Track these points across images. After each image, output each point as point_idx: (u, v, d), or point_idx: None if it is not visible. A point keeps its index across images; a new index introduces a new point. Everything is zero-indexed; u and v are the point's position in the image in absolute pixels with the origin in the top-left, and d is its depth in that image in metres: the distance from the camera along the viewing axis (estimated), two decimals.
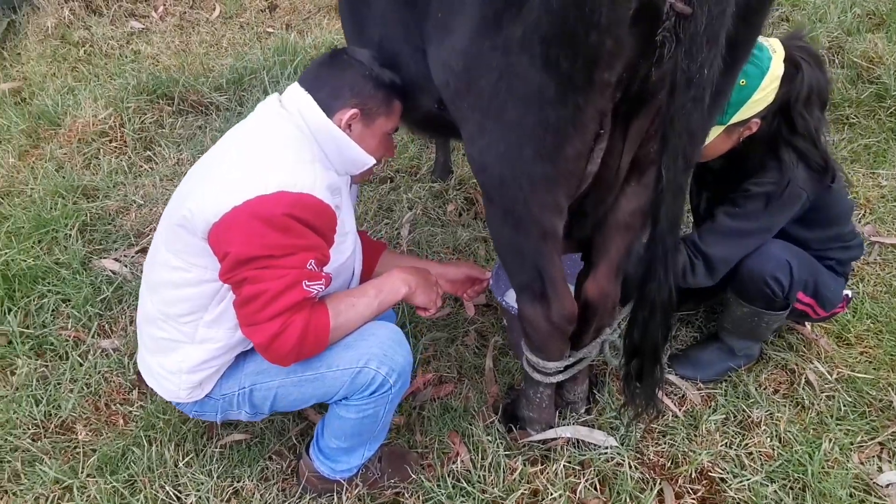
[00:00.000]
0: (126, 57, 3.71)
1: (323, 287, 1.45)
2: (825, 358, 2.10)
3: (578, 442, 1.86)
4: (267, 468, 1.84)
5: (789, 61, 1.58)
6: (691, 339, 2.22)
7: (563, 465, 1.77)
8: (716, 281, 1.79)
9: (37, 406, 1.99)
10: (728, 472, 1.79)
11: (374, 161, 1.55)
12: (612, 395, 2.00)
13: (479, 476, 1.76)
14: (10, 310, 2.26)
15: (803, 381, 2.03)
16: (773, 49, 1.56)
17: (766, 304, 1.85)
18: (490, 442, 1.84)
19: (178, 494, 1.75)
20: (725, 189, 1.78)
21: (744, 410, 1.95)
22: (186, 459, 1.83)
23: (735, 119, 1.59)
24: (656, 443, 1.88)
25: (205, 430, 1.93)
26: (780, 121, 1.65)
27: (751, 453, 1.85)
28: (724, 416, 1.94)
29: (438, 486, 1.75)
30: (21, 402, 1.99)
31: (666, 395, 2.01)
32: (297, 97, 1.48)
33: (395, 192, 2.82)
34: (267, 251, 1.34)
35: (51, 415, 1.98)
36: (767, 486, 1.76)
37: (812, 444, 1.85)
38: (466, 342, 2.24)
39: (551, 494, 1.71)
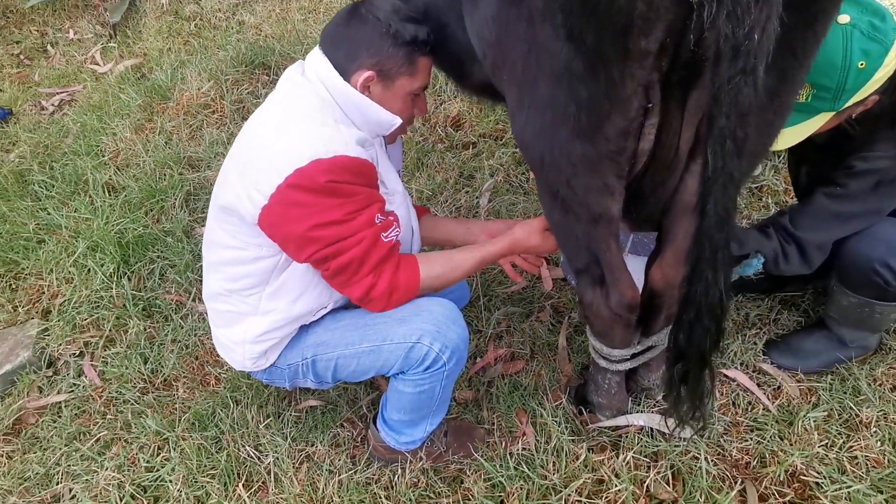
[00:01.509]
0: (232, 28, 3.88)
1: (399, 228, 1.50)
2: None
3: (652, 431, 1.75)
4: (338, 435, 1.91)
5: None
6: (794, 323, 1.99)
7: (632, 456, 1.67)
8: (813, 269, 1.57)
9: (145, 364, 2.19)
10: (825, 477, 1.61)
11: (400, 121, 1.49)
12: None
13: (541, 460, 1.71)
14: (124, 274, 2.50)
15: None
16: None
17: (877, 294, 1.60)
18: (556, 425, 1.78)
19: (258, 454, 1.87)
20: (828, 163, 1.54)
21: (851, 408, 1.73)
22: (266, 422, 1.95)
23: (850, 103, 1.35)
24: (742, 438, 1.72)
25: (285, 395, 2.04)
26: None
27: (855, 457, 1.64)
28: (825, 413, 1.74)
29: (500, 466, 1.72)
30: (131, 360, 2.20)
31: (758, 385, 1.83)
32: (316, 63, 1.44)
33: (478, 159, 2.75)
34: (330, 218, 1.36)
35: (156, 371, 2.18)
36: (872, 496, 1.56)
37: None
38: (541, 318, 2.16)
39: (616, 486, 1.62)
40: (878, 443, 1.65)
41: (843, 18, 1.27)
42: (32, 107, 3.97)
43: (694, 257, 1.10)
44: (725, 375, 1.86)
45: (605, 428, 1.78)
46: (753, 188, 2.43)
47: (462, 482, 1.74)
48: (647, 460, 1.68)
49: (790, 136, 1.42)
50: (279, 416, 1.97)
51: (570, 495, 1.63)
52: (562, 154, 1.16)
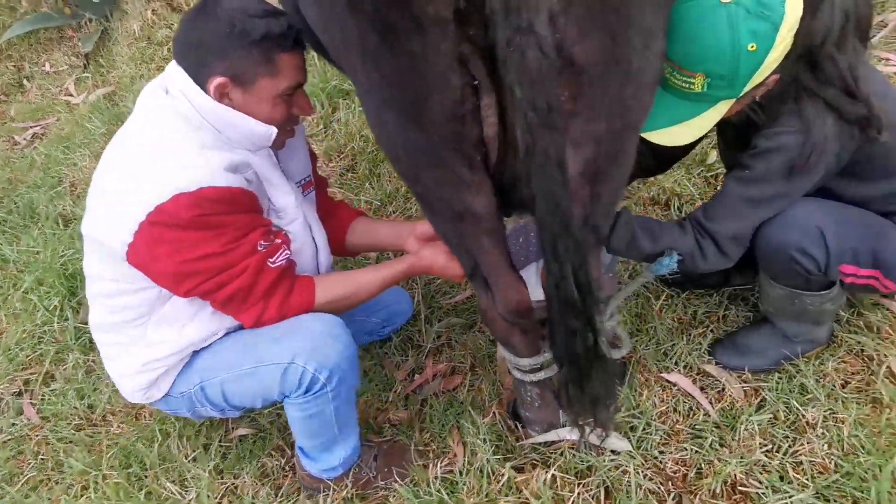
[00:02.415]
0: None
1: (288, 251, 1.44)
2: None
3: (588, 445, 1.64)
4: (266, 465, 1.83)
5: None
6: (744, 319, 1.87)
7: (558, 474, 1.57)
8: (734, 262, 1.45)
9: (81, 399, 2.14)
10: (766, 486, 1.49)
11: (274, 130, 1.39)
12: (636, 390, 1.74)
13: (465, 482, 1.62)
14: (69, 307, 2.46)
15: (883, 371, 1.63)
16: None
17: (802, 284, 1.48)
18: (482, 443, 1.68)
19: (181, 490, 1.80)
20: (741, 145, 1.42)
21: (797, 409, 1.60)
22: (194, 454, 1.88)
23: (749, 87, 1.24)
24: (681, 448, 1.60)
25: (218, 424, 1.97)
26: (802, 67, 1.26)
27: (800, 463, 1.52)
28: (770, 415, 1.61)
29: (422, 492, 1.63)
30: (67, 395, 2.16)
31: (701, 389, 1.71)
32: (174, 76, 1.35)
33: None
34: (204, 251, 1.30)
35: (93, 406, 2.13)
36: None
37: (884, 454, 1.47)
38: (484, 329, 2.07)
39: None
40: (825, 445, 1.53)
41: None
42: (6, 142, 4.00)
43: (541, 250, 1.02)
44: (666, 380, 1.74)
45: (537, 444, 1.67)
46: (709, 177, 2.30)
47: None
48: (575, 478, 1.57)
49: (692, 128, 1.31)
50: (208, 448, 1.90)
51: None
52: (396, 143, 1.09)
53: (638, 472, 1.55)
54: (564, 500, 1.53)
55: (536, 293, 1.35)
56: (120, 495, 1.78)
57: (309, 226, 1.59)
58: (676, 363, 1.78)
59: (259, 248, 1.36)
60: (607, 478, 1.55)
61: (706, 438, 1.59)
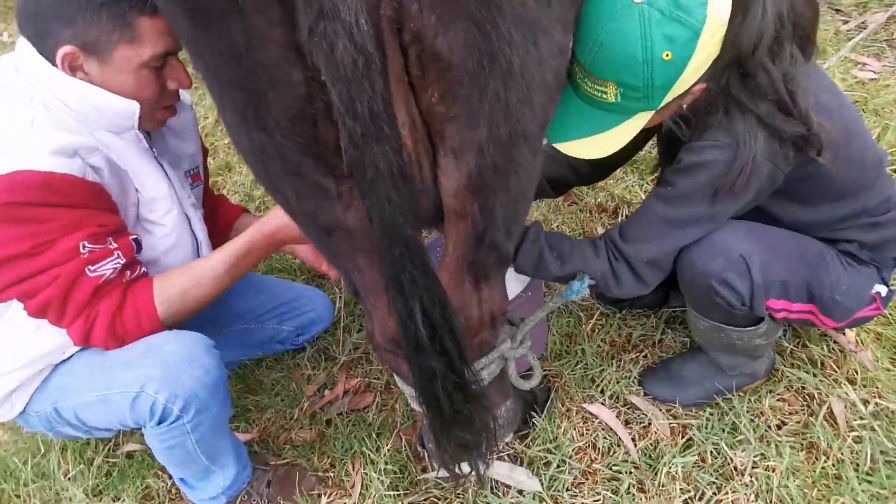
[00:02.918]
0: None
1: (120, 260, 1.24)
2: (863, 381, 1.51)
3: (497, 484, 1.48)
4: (150, 487, 1.67)
5: None
6: (681, 345, 1.71)
7: None
8: (652, 288, 1.29)
9: None
10: None
11: (137, 106, 1.22)
12: (555, 421, 1.58)
13: None
14: None
15: (823, 412, 1.47)
16: None
17: (726, 318, 1.32)
18: (378, 475, 1.52)
19: None
20: (670, 157, 1.25)
21: (726, 451, 1.45)
22: (74, 472, 1.71)
23: (669, 99, 1.07)
24: (594, 491, 1.45)
25: (109, 439, 1.80)
26: (732, 77, 1.08)
27: None
28: (696, 457, 1.46)
29: None
30: None
31: (626, 423, 1.56)
32: (23, 50, 1.18)
33: None
34: (9, 252, 1.12)
35: None
36: None
37: None
38: None
39: None
40: (752, 496, 1.38)
41: None
42: None
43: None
44: (588, 412, 1.58)
45: (440, 479, 1.51)
46: None
47: None
48: None
49: (608, 140, 1.13)
50: (91, 463, 1.73)
51: None
52: (243, 147, 0.94)
53: None
54: None
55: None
56: None
57: (187, 218, 1.42)
58: (603, 391, 1.62)
59: (81, 252, 1.17)
60: None
61: (623, 482, 1.43)
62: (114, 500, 1.65)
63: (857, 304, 1.31)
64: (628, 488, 1.42)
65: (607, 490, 1.43)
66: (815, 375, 1.54)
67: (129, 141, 1.29)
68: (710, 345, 1.46)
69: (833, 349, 1.58)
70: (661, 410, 1.56)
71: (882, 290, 1.34)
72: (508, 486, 1.47)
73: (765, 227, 1.27)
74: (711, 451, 1.46)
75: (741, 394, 1.54)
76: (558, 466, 1.49)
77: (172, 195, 1.37)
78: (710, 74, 1.07)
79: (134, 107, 1.22)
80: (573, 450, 1.52)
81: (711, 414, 1.53)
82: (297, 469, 1.64)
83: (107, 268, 1.22)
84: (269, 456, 1.67)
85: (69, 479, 1.70)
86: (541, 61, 0.92)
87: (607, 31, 0.99)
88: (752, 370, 1.52)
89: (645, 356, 1.69)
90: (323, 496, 1.54)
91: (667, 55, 0.99)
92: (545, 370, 1.70)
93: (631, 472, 1.45)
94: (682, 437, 1.50)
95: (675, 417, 1.55)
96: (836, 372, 1.54)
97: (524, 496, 1.44)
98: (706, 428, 1.50)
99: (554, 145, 1.18)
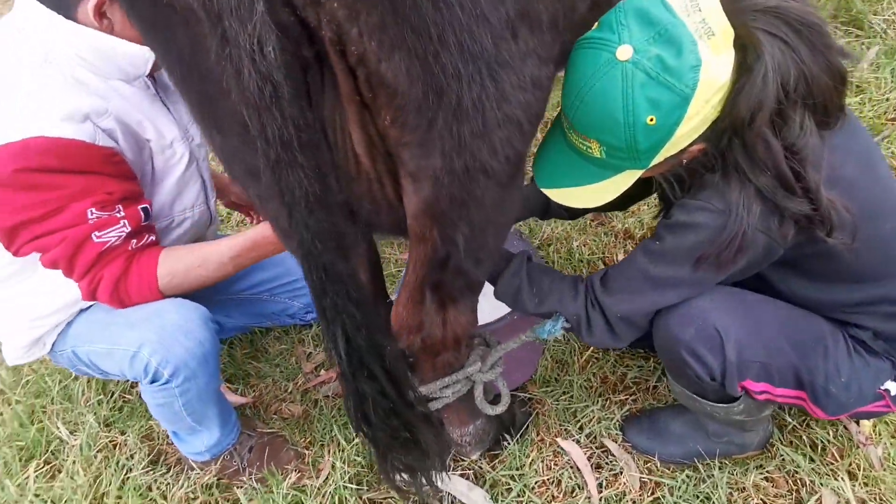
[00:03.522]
0: None
1: (126, 228, 1.31)
2: (865, 479, 1.36)
3: (454, 501, 1.49)
4: (152, 428, 1.82)
5: (743, 45, 0.90)
6: (674, 398, 1.61)
7: None
8: (624, 343, 1.21)
9: None
10: None
11: (151, 52, 1.25)
12: (526, 448, 1.56)
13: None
14: None
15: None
16: (705, 34, 0.88)
17: (697, 389, 1.23)
18: (342, 465, 1.57)
19: (70, 434, 1.82)
20: (669, 204, 1.16)
21: None
22: (93, 401, 1.89)
23: (659, 160, 0.98)
24: None
25: None
26: (732, 142, 0.97)
27: None
28: None
29: (270, 499, 1.55)
30: None
31: (596, 466, 1.50)
32: (25, 9, 1.24)
33: None
34: (22, 216, 1.22)
35: None
36: None
37: None
38: None
39: None
40: None
41: (624, 52, 0.89)
42: None
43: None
44: (560, 447, 1.55)
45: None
46: None
47: None
48: None
49: (599, 192, 1.06)
50: (111, 395, 1.91)
51: None
52: (212, 144, 0.98)
53: None
54: None
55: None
56: (14, 423, 1.83)
57: (196, 160, 1.50)
58: (581, 428, 1.58)
59: (88, 218, 1.24)
60: None
61: None
62: (120, 434, 1.81)
63: (857, 399, 1.18)
64: None
65: None
66: (812, 460, 1.41)
67: (139, 88, 1.37)
68: (691, 409, 1.37)
69: (840, 436, 1.44)
70: (635, 461, 1.50)
71: (892, 387, 1.19)
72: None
73: (757, 298, 1.16)
74: None
75: (726, 461, 1.45)
76: (518, 496, 1.47)
77: (182, 137, 1.45)
78: (708, 135, 0.97)
79: (149, 54, 1.28)
80: (536, 482, 1.50)
81: (688, 477, 1.44)
82: (280, 441, 1.72)
83: (112, 235, 1.30)
84: (258, 422, 1.77)
85: (88, 405, 1.88)
86: (503, 97, 0.88)
87: (589, 88, 0.93)
88: (741, 441, 1.42)
89: (634, 400, 1.61)
90: (293, 473, 1.62)
91: (651, 119, 0.91)
92: (530, 395, 1.67)
93: None
94: (651, 494, 1.44)
95: (649, 472, 1.48)
96: (836, 461, 1.40)
97: None
98: (679, 491, 1.42)
99: (542, 190, 1.12)
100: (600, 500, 1.44)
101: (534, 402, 1.66)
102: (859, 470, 1.38)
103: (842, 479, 1.37)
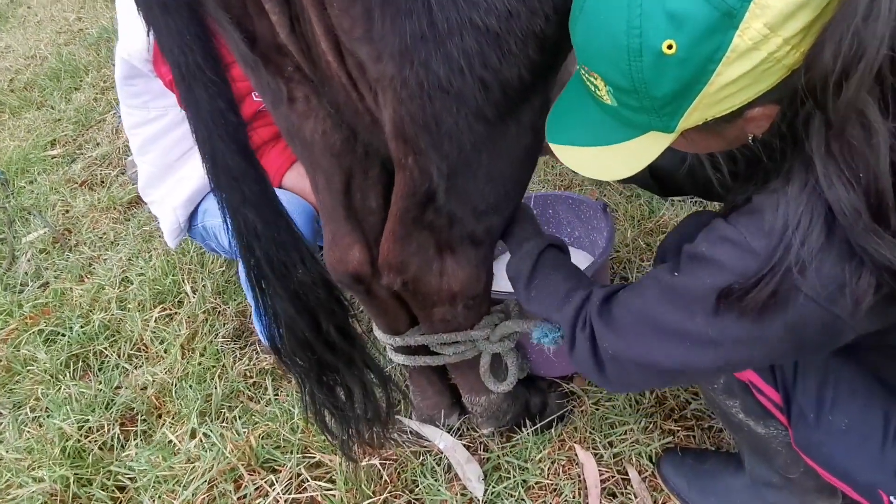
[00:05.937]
0: None
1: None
2: None
3: (450, 467, 1.43)
4: (248, 307, 2.02)
5: None
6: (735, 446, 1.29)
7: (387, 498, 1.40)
8: (612, 387, 0.94)
9: None
10: None
11: None
12: (542, 442, 1.40)
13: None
14: None
15: None
16: None
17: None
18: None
19: (192, 290, 2.11)
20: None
21: None
22: (217, 272, 2.16)
23: (689, 119, 0.68)
24: None
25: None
26: (811, 116, 0.63)
27: None
28: None
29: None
30: None
31: (609, 495, 1.30)
32: None
33: None
34: None
35: None
36: None
37: None
38: None
39: None
40: None
41: None
42: None
43: None
44: (577, 455, 1.36)
45: (412, 435, 1.50)
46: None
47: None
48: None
49: (615, 159, 0.78)
50: (231, 269, 2.16)
51: None
52: None
53: None
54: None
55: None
56: (158, 270, 2.18)
57: None
58: (611, 444, 1.36)
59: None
60: None
61: None
62: (223, 303, 2.05)
63: None
64: None
65: None
66: None
67: None
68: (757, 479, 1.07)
69: None
70: (653, 500, 1.25)
71: None
72: (458, 479, 1.39)
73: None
74: None
75: None
76: (512, 489, 1.35)
77: None
78: (780, 94, 0.65)
79: None
80: (537, 483, 1.35)
81: None
82: None
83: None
84: None
85: (211, 275, 2.15)
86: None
87: None
88: None
89: (686, 436, 1.33)
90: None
91: (669, 46, 0.62)
92: (572, 388, 1.48)
93: None
94: None
95: None
96: None
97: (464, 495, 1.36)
98: None
99: (550, 146, 0.90)
100: None
101: (573, 397, 1.47)
102: None
103: None
